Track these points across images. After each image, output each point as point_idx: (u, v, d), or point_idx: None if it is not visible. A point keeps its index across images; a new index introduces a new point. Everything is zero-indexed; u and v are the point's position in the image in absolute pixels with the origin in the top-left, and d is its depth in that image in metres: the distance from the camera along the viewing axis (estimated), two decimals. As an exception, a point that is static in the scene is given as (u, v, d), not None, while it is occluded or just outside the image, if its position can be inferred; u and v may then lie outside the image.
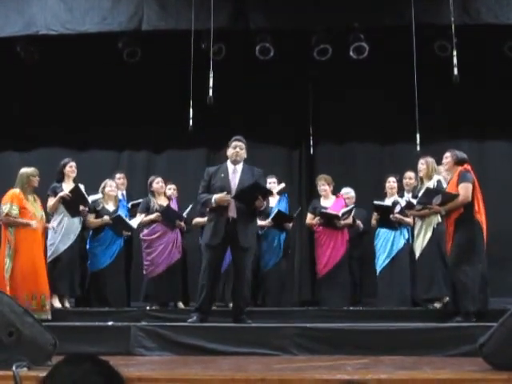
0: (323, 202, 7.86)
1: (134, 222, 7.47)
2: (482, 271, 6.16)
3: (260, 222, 7.59)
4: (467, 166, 6.32)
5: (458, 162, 6.38)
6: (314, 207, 7.88)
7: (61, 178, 7.30)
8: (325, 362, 4.94)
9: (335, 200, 7.86)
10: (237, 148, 6.25)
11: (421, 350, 5.29)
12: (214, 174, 6.26)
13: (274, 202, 7.88)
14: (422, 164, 7.00)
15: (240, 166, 6.28)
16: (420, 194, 6.78)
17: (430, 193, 6.58)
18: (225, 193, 6.07)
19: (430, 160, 6.99)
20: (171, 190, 7.90)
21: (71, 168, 7.33)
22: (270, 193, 6.49)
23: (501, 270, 8.18)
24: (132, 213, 7.81)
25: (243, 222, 6.11)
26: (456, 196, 6.19)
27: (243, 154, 6.28)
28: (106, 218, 7.42)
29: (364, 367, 4.60)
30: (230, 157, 6.27)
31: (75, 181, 7.36)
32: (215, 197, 6.06)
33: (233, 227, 6.07)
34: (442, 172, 6.91)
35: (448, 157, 6.48)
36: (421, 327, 5.72)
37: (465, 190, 6.13)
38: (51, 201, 7.12)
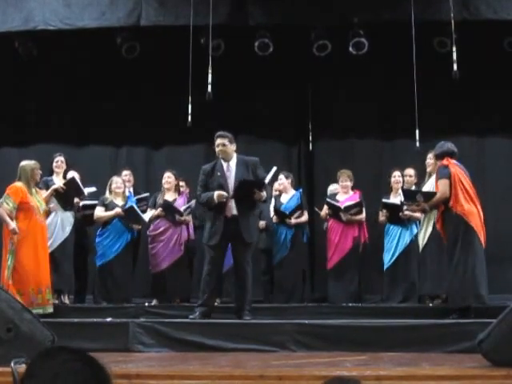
0: (339, 196, 7.81)
1: (146, 216, 7.46)
2: (475, 263, 6.04)
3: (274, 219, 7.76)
4: (445, 161, 6.23)
5: (438, 156, 6.37)
6: (329, 199, 7.83)
7: (51, 172, 7.36)
8: (324, 358, 4.94)
9: (351, 195, 7.79)
10: (219, 146, 6.22)
11: (420, 346, 5.29)
12: (209, 173, 6.26)
13: (286, 198, 7.89)
14: (431, 159, 6.98)
15: (233, 161, 6.27)
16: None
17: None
18: (224, 193, 6.08)
19: None
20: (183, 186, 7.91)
21: (57, 163, 7.37)
22: (261, 183, 6.24)
23: (500, 267, 8.19)
24: (139, 207, 7.81)
25: (245, 218, 6.13)
26: (433, 194, 6.25)
27: (228, 149, 6.22)
28: (118, 209, 7.30)
29: (363, 364, 4.60)
30: (218, 155, 6.28)
31: (65, 175, 7.37)
32: (215, 194, 6.06)
33: (235, 225, 6.07)
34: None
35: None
36: (420, 324, 5.72)
37: (442, 187, 6.13)
38: (43, 194, 7.05)
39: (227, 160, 6.24)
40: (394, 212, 7.39)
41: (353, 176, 7.85)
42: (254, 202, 6.18)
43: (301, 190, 8.05)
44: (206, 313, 6.16)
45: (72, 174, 7.53)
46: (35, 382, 1.51)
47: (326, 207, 7.75)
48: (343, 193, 7.82)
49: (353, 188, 7.87)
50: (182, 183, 7.91)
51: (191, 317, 6.13)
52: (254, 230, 6.31)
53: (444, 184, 6.11)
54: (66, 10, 7.92)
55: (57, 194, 7.05)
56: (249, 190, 6.09)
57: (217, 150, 6.25)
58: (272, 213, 7.85)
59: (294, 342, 5.52)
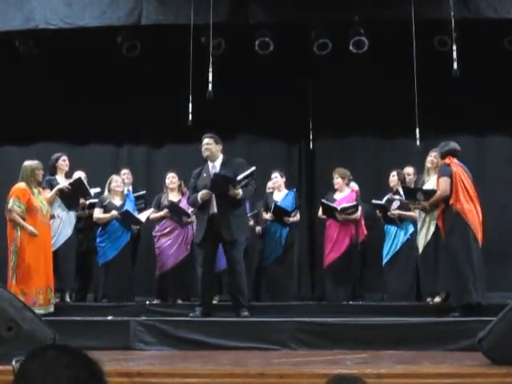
0: (336, 195, 7.80)
1: (143, 216, 7.43)
2: (472, 261, 6.05)
3: (265, 216, 7.77)
4: (447, 160, 6.30)
5: (442, 155, 6.43)
6: (327, 199, 7.81)
7: (54, 171, 7.31)
8: (324, 356, 4.95)
9: (348, 194, 7.77)
10: (204, 146, 6.46)
11: (420, 344, 5.30)
12: (197, 175, 6.49)
13: (280, 196, 7.89)
14: (436, 158, 6.99)
15: (219, 162, 6.47)
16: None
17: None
18: (207, 191, 6.26)
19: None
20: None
21: (64, 162, 7.36)
22: (232, 179, 6.24)
23: (500, 265, 8.20)
24: (137, 205, 7.81)
25: (224, 215, 6.23)
26: (434, 192, 6.30)
27: (213, 149, 6.44)
28: (114, 212, 7.32)
29: (363, 362, 4.61)
30: (203, 155, 6.50)
31: (67, 174, 7.38)
32: (199, 194, 6.27)
33: (215, 222, 6.23)
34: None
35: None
36: (420, 322, 5.73)
37: (443, 185, 6.20)
38: (47, 193, 7.04)
39: (213, 160, 6.46)
40: (385, 211, 7.42)
41: (346, 173, 7.77)
42: (234, 199, 6.25)
43: (295, 190, 8.07)
44: (204, 312, 6.29)
45: (79, 174, 7.54)
46: (27, 383, 1.50)
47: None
48: (339, 191, 7.75)
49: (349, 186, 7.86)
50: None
51: (191, 315, 6.22)
52: (237, 228, 6.30)
53: (445, 182, 6.18)
54: (66, 9, 7.92)
55: (61, 193, 7.06)
56: (225, 187, 6.19)
57: (202, 149, 6.48)
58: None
59: (294, 340, 5.53)
